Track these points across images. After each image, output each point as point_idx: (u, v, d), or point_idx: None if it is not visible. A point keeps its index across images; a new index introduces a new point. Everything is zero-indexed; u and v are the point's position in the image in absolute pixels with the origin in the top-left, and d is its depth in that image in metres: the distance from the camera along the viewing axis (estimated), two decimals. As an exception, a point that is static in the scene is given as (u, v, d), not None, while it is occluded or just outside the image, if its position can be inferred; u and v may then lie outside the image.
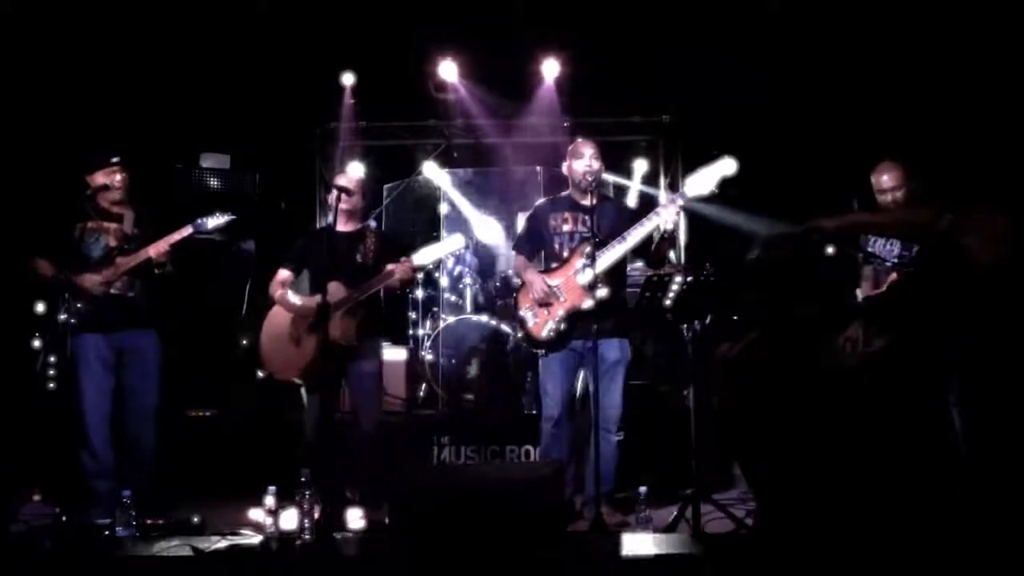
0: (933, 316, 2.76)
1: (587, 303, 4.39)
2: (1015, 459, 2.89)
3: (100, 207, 4.76)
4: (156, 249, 4.61)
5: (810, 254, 2.75)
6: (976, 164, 4.84)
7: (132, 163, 4.88)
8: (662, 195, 4.47)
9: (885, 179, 4.36)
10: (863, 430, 2.45)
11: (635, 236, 4.37)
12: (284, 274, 4.81)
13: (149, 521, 4.29)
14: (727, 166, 4.28)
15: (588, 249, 4.37)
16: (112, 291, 4.63)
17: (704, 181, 4.30)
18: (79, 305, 4.57)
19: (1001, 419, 2.95)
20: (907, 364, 2.55)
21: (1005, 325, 2.84)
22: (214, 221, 4.70)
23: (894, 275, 4.25)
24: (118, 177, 4.73)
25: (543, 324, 4.51)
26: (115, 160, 4.73)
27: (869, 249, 4.37)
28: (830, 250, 2.90)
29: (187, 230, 4.68)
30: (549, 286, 4.50)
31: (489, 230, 7.20)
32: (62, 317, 4.56)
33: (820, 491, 2.41)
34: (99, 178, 4.72)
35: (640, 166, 7.09)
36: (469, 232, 7.09)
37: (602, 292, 4.32)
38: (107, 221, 4.75)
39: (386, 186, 7.62)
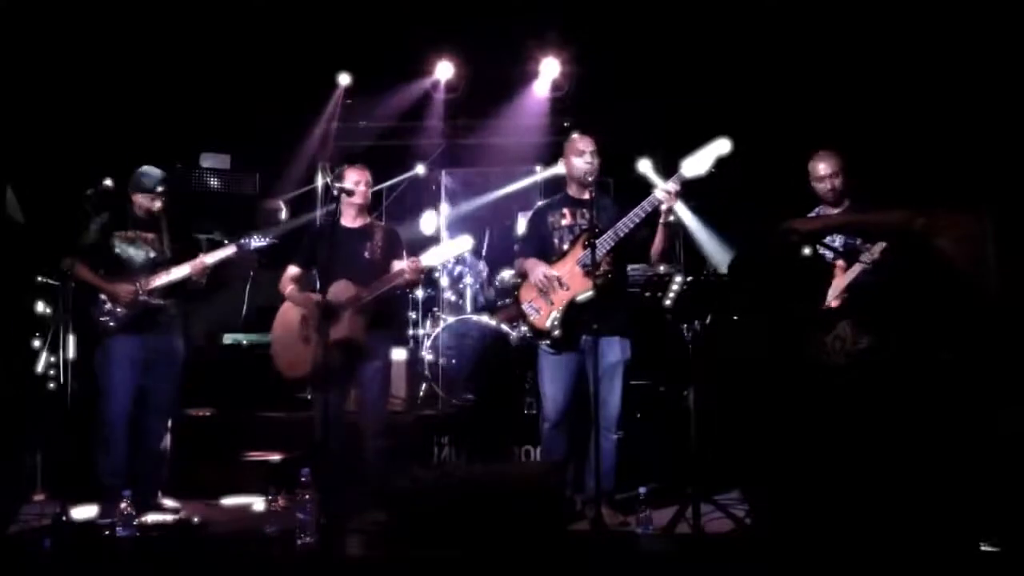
0: (914, 315, 2.78)
1: (590, 291, 4.38)
2: (1000, 455, 2.90)
3: (136, 217, 4.90)
4: (199, 266, 4.80)
5: (787, 256, 2.77)
6: (945, 163, 4.88)
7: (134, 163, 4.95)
8: (658, 183, 4.44)
9: (821, 167, 4.51)
10: (852, 426, 2.47)
11: (633, 219, 4.36)
12: (294, 270, 4.82)
13: (149, 521, 4.30)
14: (722, 146, 4.30)
15: (588, 238, 4.37)
16: (152, 300, 4.79)
17: (700, 162, 4.30)
18: (118, 309, 4.73)
19: (983, 414, 2.97)
20: (891, 361, 2.57)
21: (983, 321, 2.86)
22: (257, 242, 4.93)
23: (840, 263, 4.32)
24: (158, 204, 4.89)
25: (547, 315, 4.50)
26: (160, 190, 4.87)
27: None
28: (806, 251, 2.92)
29: (231, 250, 4.88)
30: (551, 273, 4.50)
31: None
32: (103, 318, 4.72)
33: (812, 487, 2.42)
34: (139, 199, 4.88)
35: (644, 166, 7.07)
36: (469, 232, 7.07)
37: (604, 280, 4.31)
38: (144, 231, 4.89)
39: (386, 186, 7.62)
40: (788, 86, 6.15)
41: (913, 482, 2.45)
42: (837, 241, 4.45)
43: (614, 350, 4.45)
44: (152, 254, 4.87)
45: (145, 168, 4.91)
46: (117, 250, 4.82)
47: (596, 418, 4.29)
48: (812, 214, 4.60)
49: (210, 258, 4.84)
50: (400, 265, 4.64)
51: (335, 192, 4.65)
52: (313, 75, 6.89)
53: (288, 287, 4.78)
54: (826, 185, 4.49)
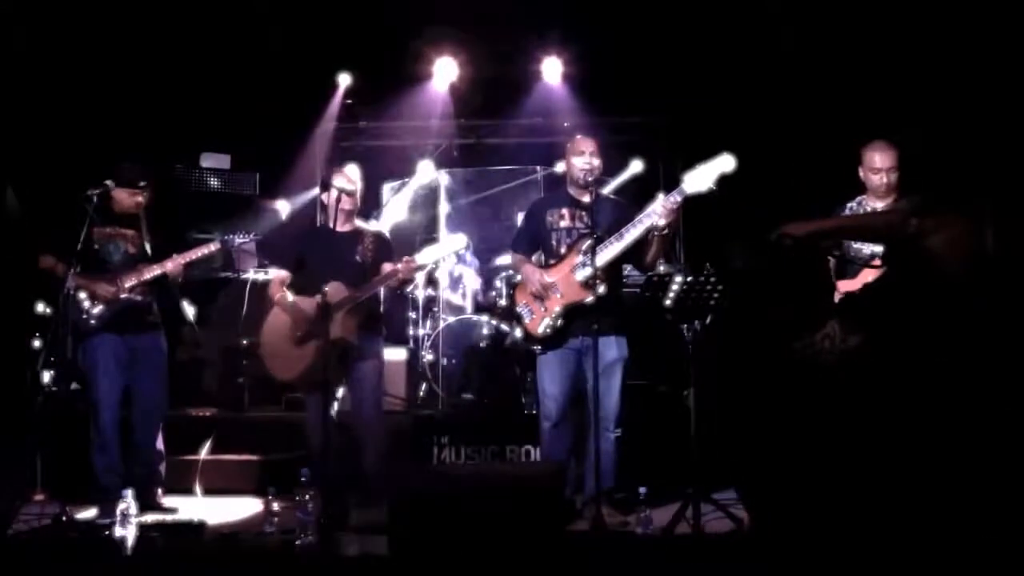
0: (904, 316, 2.79)
1: (584, 299, 4.39)
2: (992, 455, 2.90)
3: (115, 213, 4.85)
4: (182, 262, 4.77)
5: (782, 260, 2.77)
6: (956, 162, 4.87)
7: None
8: (660, 194, 4.42)
9: (879, 158, 4.45)
10: (843, 425, 2.47)
11: (633, 233, 4.36)
12: (282, 275, 4.81)
13: (149, 521, 4.30)
14: (726, 163, 4.25)
15: (586, 245, 4.36)
16: (135, 296, 4.76)
17: (703, 178, 4.25)
18: (99, 307, 4.68)
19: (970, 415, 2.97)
20: (882, 361, 2.57)
21: (972, 325, 2.86)
22: (241, 239, 4.95)
23: (868, 270, 4.30)
24: (140, 199, 4.85)
25: (539, 320, 4.51)
26: (142, 185, 4.83)
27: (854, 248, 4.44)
28: (801, 254, 2.92)
29: (214, 246, 4.86)
30: (546, 281, 4.51)
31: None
32: (83, 317, 4.67)
33: (804, 487, 2.43)
34: (121, 195, 4.81)
35: (635, 166, 7.07)
36: (471, 232, 7.06)
37: (600, 289, 4.32)
38: (123, 228, 4.85)
39: (386, 186, 7.62)
40: (788, 86, 6.15)
41: (908, 482, 2.45)
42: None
43: (611, 349, 4.45)
44: (131, 251, 4.82)
45: (127, 163, 4.87)
46: (96, 246, 4.77)
47: (595, 417, 4.30)
48: (854, 203, 4.56)
49: (190, 255, 4.80)
50: (394, 266, 4.65)
51: (333, 193, 4.62)
52: (313, 75, 6.88)
53: (278, 292, 4.76)
54: (881, 178, 4.44)
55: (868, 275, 4.31)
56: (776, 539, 2.51)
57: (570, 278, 4.48)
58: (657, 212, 4.29)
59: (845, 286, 4.40)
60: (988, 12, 4.90)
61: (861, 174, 4.55)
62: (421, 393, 6.46)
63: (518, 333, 4.62)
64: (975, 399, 2.75)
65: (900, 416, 2.52)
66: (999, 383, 2.74)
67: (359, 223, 4.90)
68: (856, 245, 4.45)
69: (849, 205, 4.57)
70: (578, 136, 4.75)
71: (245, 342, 6.41)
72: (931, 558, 2.38)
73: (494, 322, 6.32)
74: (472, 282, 6.89)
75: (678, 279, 4.14)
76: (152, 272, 4.77)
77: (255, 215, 6.77)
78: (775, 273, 2.77)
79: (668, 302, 4.14)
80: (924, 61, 5.37)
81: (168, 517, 4.51)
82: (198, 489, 5.23)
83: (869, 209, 4.50)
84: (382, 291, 4.77)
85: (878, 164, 4.45)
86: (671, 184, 4.38)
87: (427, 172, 7.15)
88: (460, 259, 6.81)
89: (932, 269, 2.70)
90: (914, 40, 5.45)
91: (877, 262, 4.31)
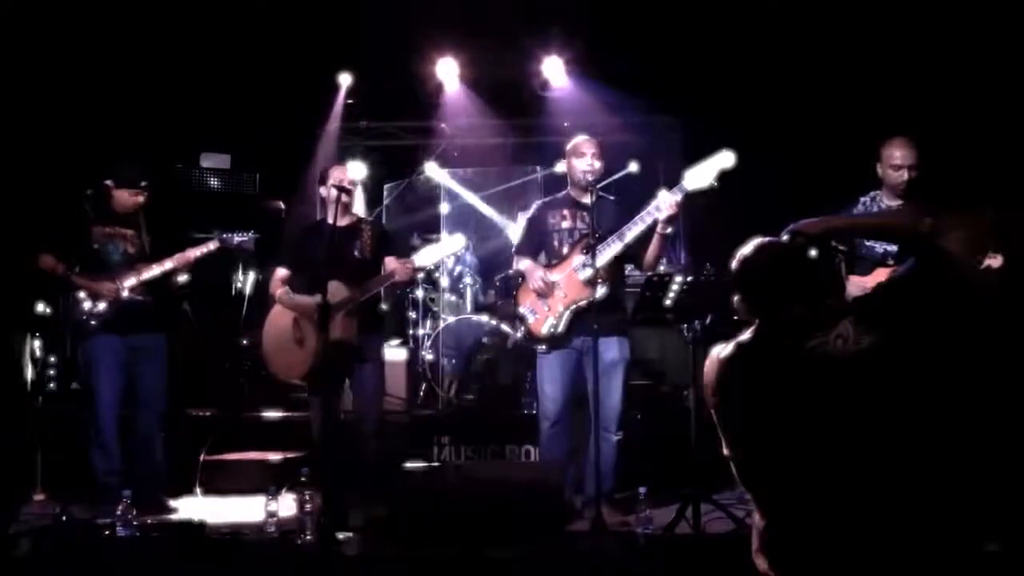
0: (919, 316, 2.78)
1: (588, 298, 4.39)
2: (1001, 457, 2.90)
3: (115, 213, 4.85)
4: (181, 261, 4.78)
5: (794, 258, 2.77)
6: (967, 161, 4.85)
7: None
8: (661, 191, 4.41)
9: (899, 155, 4.38)
10: (855, 426, 2.46)
11: (634, 230, 4.35)
12: (283, 273, 4.80)
13: (149, 521, 4.30)
14: (725, 159, 4.23)
15: (587, 244, 4.36)
16: (135, 296, 4.76)
17: (703, 174, 4.24)
18: (100, 307, 4.69)
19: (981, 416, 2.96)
20: (897, 362, 2.56)
21: (986, 325, 2.85)
22: (240, 237, 4.91)
23: (882, 269, 4.29)
24: (140, 199, 4.84)
25: (543, 321, 4.51)
26: (144, 184, 4.83)
27: (868, 243, 4.42)
28: (813, 253, 2.91)
29: (213, 244, 4.85)
30: (548, 279, 4.50)
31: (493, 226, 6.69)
32: (83, 317, 4.67)
33: (820, 487, 2.42)
34: (122, 195, 4.82)
35: (630, 167, 7.04)
36: (470, 231, 7.06)
37: (602, 288, 4.32)
38: (122, 227, 4.85)
39: (386, 186, 7.62)
40: (788, 88, 6.15)
41: (915, 482, 2.45)
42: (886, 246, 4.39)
43: (612, 349, 4.45)
44: (131, 251, 4.83)
45: (128, 163, 4.87)
46: (95, 246, 4.77)
47: (595, 418, 4.30)
48: (867, 198, 4.50)
49: (190, 254, 4.80)
50: (392, 263, 4.64)
51: (331, 192, 4.61)
52: (313, 75, 6.89)
53: (278, 290, 4.76)
54: (901, 175, 4.36)
55: (882, 274, 4.30)
56: (783, 539, 2.50)
57: (573, 277, 4.48)
58: (659, 207, 4.29)
59: (858, 281, 4.38)
60: (992, 11, 4.90)
61: (879, 171, 4.47)
62: (421, 393, 6.46)
63: (520, 334, 4.62)
64: (992, 401, 2.75)
65: (915, 418, 2.52)
66: (1015, 385, 2.73)
67: (358, 214, 4.89)
68: (869, 243, 4.43)
69: (863, 200, 4.49)
70: (579, 137, 4.72)
71: (245, 342, 6.42)
72: (938, 559, 2.38)
73: (494, 322, 6.32)
74: (472, 282, 6.89)
75: (678, 279, 4.14)
76: (152, 272, 4.77)
77: (255, 215, 6.77)
78: (786, 272, 2.77)
79: (668, 302, 4.14)
80: (932, 61, 5.37)
81: (168, 517, 4.52)
82: (198, 489, 5.23)
83: (884, 206, 4.46)
84: (382, 291, 4.77)
85: (898, 160, 4.37)
86: (672, 184, 4.38)
87: (432, 172, 7.15)
88: (460, 259, 6.81)
89: (947, 268, 2.69)
90: (921, 40, 5.44)
91: (891, 261, 4.30)
